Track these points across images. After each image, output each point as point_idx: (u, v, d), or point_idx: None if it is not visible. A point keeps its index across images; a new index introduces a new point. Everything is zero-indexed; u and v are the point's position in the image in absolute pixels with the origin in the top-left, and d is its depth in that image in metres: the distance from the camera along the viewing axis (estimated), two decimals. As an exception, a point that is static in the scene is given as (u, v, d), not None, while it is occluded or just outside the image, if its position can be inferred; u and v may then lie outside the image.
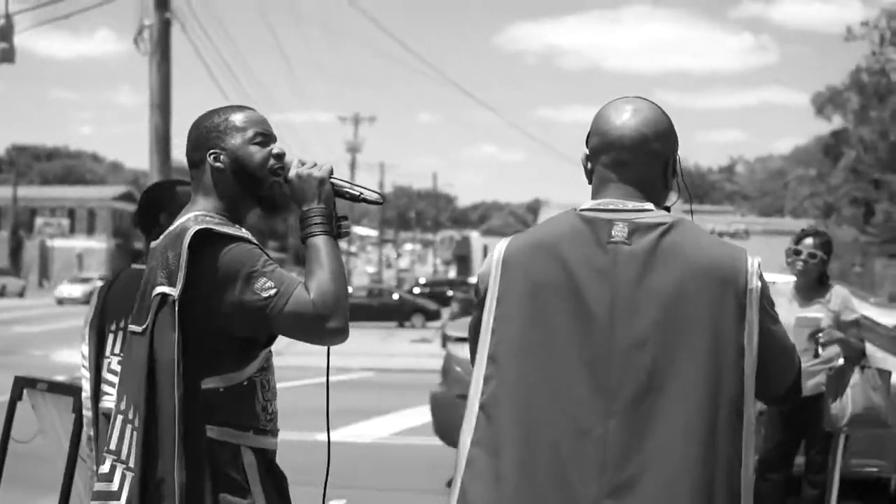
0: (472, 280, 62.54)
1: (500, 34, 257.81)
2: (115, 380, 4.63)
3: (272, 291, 3.31)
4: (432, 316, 47.34)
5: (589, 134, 3.24)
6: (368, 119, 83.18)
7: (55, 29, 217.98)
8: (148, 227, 4.91)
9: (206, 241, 3.37)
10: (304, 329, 3.34)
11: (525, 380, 3.02)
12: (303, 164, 3.55)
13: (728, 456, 2.95)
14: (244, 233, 3.46)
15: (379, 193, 3.63)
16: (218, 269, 3.34)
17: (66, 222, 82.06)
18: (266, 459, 3.47)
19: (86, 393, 4.84)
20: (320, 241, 3.45)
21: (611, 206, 3.11)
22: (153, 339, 3.38)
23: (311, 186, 3.50)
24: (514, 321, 3.07)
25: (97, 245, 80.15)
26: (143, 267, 4.83)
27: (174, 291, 3.35)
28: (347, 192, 3.60)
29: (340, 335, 3.35)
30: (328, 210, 3.51)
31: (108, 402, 4.68)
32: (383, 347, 33.31)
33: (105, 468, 3.46)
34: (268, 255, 3.44)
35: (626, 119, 3.16)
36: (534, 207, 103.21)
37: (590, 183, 3.24)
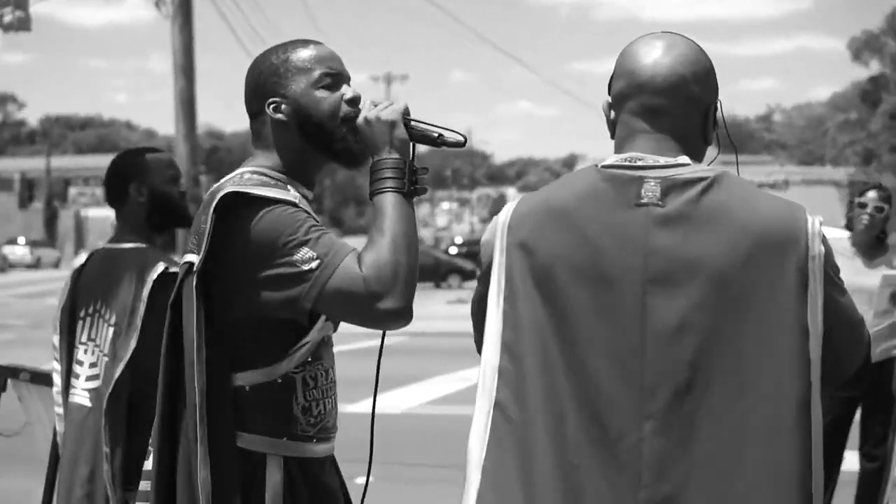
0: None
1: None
2: (82, 371, 4.25)
3: (314, 263, 2.79)
4: (469, 276, 46.79)
5: (612, 76, 2.68)
6: (400, 78, 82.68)
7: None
8: (117, 200, 4.45)
9: (239, 204, 2.88)
10: (352, 310, 2.83)
11: (546, 375, 2.49)
12: (375, 105, 2.99)
13: (795, 464, 2.41)
14: (290, 194, 2.94)
15: (461, 133, 3.02)
16: (250, 238, 2.84)
17: (99, 191, 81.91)
18: (308, 472, 2.98)
19: (56, 387, 4.40)
20: (386, 200, 2.90)
21: (639, 162, 2.55)
22: (179, 314, 2.93)
23: (381, 132, 2.94)
24: (527, 303, 2.54)
25: (132, 213, 79.74)
26: (117, 246, 4.37)
27: (196, 260, 2.89)
28: (425, 136, 3.01)
29: (398, 319, 2.83)
30: (401, 160, 2.95)
31: (77, 396, 4.27)
32: (418, 310, 32.72)
33: (149, 464, 3.04)
34: (316, 219, 2.92)
35: (658, 57, 2.59)
36: (570, 163, 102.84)
37: (612, 137, 2.68)
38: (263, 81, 3.06)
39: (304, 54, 3.05)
